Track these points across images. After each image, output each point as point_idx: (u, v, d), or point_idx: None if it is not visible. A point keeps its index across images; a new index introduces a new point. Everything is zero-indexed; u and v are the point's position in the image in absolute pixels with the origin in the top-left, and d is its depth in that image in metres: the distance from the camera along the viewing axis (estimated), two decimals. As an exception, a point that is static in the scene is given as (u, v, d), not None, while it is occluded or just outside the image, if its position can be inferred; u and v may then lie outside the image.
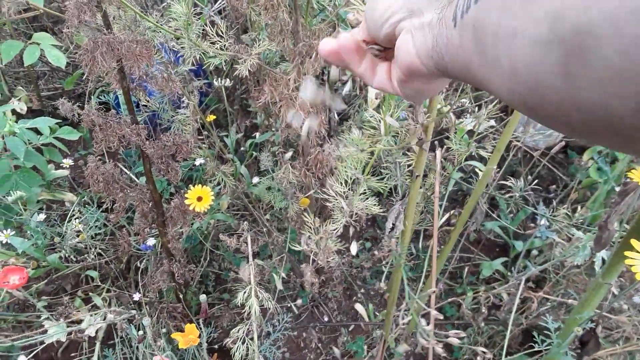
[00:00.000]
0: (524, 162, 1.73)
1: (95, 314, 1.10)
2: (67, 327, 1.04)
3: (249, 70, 0.97)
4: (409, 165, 1.06)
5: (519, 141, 1.30)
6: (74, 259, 1.35)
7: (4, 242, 1.20)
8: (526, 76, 0.22)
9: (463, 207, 1.77)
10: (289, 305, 1.55)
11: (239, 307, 1.08)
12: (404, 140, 0.95)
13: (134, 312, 1.11)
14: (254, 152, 1.57)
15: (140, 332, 0.96)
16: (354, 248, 1.14)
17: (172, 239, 1.19)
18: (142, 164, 1.13)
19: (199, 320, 1.01)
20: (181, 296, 1.28)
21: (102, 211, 1.44)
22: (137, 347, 1.09)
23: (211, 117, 1.45)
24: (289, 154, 1.14)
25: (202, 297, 0.96)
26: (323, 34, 1.00)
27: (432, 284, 0.88)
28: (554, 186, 1.74)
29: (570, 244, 1.06)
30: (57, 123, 1.28)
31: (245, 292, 1.03)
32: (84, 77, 1.91)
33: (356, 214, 1.00)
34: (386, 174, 1.11)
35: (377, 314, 1.51)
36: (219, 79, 1.29)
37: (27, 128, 1.23)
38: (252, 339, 1.02)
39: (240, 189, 1.36)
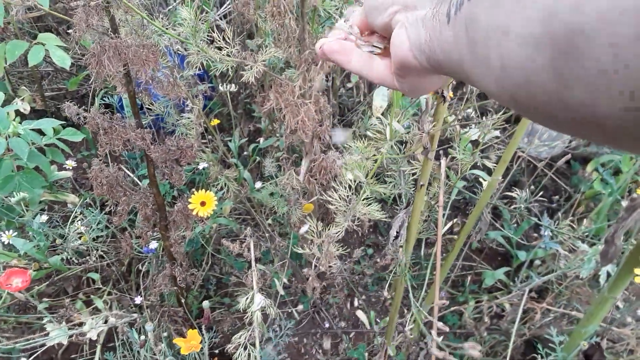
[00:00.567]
0: (527, 172, 1.73)
1: (97, 317, 1.10)
2: (69, 329, 1.03)
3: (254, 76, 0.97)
4: (413, 174, 1.06)
5: (523, 152, 1.30)
6: (76, 261, 1.35)
7: (5, 243, 1.20)
8: (516, 73, 0.22)
9: (465, 215, 1.77)
10: (290, 311, 1.55)
11: (240, 311, 1.08)
12: (409, 149, 0.95)
13: (135, 315, 1.10)
14: (257, 157, 1.57)
15: (142, 337, 0.96)
16: (357, 253, 1.14)
17: (174, 242, 1.18)
18: (145, 166, 1.13)
19: (201, 325, 1.01)
20: (182, 300, 1.28)
21: (104, 213, 1.44)
22: (138, 351, 1.09)
23: (215, 122, 1.45)
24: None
25: (205, 304, 0.96)
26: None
27: (435, 294, 0.88)
28: (557, 196, 1.74)
29: (575, 256, 1.06)
30: (60, 124, 1.28)
31: (247, 298, 1.02)
32: (89, 78, 1.91)
33: (358, 218, 1.00)
34: (390, 182, 1.11)
35: (379, 321, 1.51)
36: (224, 84, 1.29)
37: (31, 129, 1.23)
38: (253, 344, 1.02)
39: (243, 193, 1.36)
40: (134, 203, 1.14)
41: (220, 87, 1.34)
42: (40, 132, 1.27)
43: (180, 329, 1.28)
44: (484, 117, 1.03)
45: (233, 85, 1.29)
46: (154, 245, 1.30)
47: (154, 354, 1.02)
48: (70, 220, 1.36)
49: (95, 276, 1.37)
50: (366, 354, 1.40)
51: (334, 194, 0.97)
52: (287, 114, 1.03)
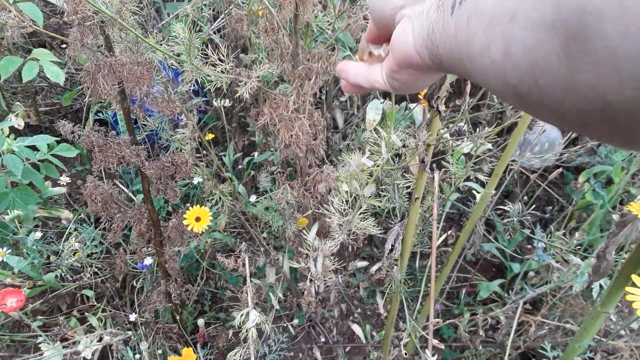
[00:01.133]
0: (520, 183, 1.74)
1: (91, 335, 1.09)
2: (63, 348, 1.03)
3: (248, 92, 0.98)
4: (407, 187, 1.07)
5: (515, 162, 1.31)
6: (70, 278, 1.34)
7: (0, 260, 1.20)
8: (521, 60, 0.22)
9: (460, 227, 1.78)
10: (285, 325, 1.54)
11: (235, 327, 1.08)
12: (404, 161, 0.96)
13: (129, 333, 1.10)
14: (252, 171, 1.57)
15: (137, 356, 0.96)
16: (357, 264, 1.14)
17: (169, 258, 1.18)
18: (139, 182, 1.13)
19: (196, 341, 1.00)
20: (177, 317, 1.27)
21: (98, 229, 1.43)
22: (133, 369, 1.08)
23: (210, 136, 1.45)
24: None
25: (200, 322, 0.96)
26: (322, 57, 1.01)
27: (430, 310, 0.88)
28: (550, 207, 1.75)
29: (568, 269, 1.06)
30: (54, 140, 1.27)
31: (242, 315, 1.02)
32: (83, 94, 1.91)
33: (354, 232, 1.00)
34: (384, 195, 1.11)
35: (374, 334, 1.51)
36: (219, 99, 1.30)
37: (25, 146, 1.23)
38: (249, 361, 1.01)
39: (238, 207, 1.36)
40: (129, 219, 1.14)
41: (214, 102, 1.34)
42: (34, 147, 1.27)
43: (175, 346, 1.27)
44: (477, 129, 1.04)
45: (227, 100, 1.29)
46: (148, 261, 1.29)
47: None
48: (64, 237, 1.36)
49: (90, 293, 1.36)
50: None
51: (330, 207, 0.98)
52: (282, 128, 1.04)
